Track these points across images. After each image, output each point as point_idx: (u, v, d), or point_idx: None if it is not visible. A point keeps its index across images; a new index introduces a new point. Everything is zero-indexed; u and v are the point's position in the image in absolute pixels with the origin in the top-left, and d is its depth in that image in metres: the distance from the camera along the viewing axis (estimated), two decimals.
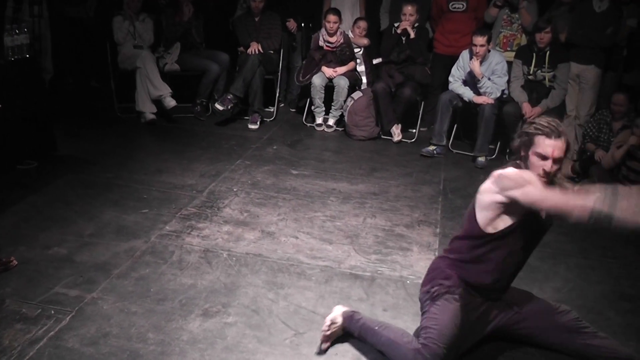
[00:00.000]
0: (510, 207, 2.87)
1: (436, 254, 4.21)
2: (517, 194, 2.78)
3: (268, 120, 7.31)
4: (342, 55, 7.17)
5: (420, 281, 3.32)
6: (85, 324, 3.15)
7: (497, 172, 2.95)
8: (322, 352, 3.10)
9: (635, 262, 4.50)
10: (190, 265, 3.85)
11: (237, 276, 3.77)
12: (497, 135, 6.70)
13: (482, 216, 2.98)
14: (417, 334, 3.01)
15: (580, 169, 6.01)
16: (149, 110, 6.72)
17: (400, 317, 3.47)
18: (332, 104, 7.17)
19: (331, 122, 7.21)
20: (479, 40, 6.28)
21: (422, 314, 3.09)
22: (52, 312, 3.23)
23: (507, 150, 6.68)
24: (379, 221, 4.71)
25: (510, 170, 2.92)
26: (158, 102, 6.73)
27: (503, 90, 6.54)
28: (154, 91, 6.66)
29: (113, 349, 2.98)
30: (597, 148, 6.02)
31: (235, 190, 5.12)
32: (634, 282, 4.19)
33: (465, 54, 6.60)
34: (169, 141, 6.37)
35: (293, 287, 3.70)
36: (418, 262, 4.12)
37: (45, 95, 5.69)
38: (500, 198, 2.88)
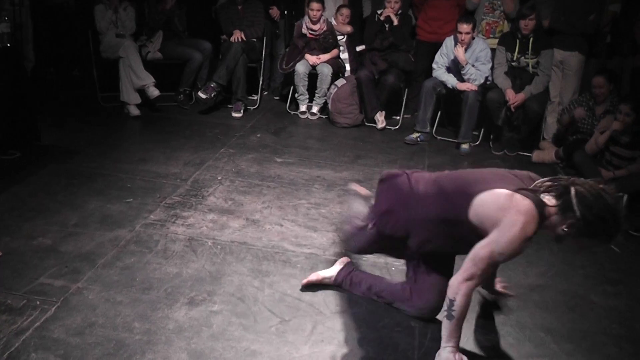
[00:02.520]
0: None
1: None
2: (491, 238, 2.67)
3: (252, 108, 7.30)
4: (325, 42, 7.16)
5: (404, 267, 3.35)
6: (71, 314, 3.15)
7: (517, 216, 2.62)
8: (307, 340, 3.11)
9: (617, 245, 4.54)
10: (175, 254, 3.84)
11: (222, 264, 3.78)
12: (481, 122, 6.74)
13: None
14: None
15: (564, 154, 6.05)
16: (133, 101, 6.67)
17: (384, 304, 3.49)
18: (316, 91, 7.18)
19: (315, 109, 7.22)
20: (464, 27, 6.30)
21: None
22: (38, 302, 3.21)
23: (491, 137, 6.72)
24: None
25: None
26: (142, 91, 6.69)
27: (487, 77, 6.57)
28: (137, 81, 6.62)
29: (99, 339, 2.98)
30: (580, 108, 6.09)
31: (219, 178, 5.11)
32: (617, 267, 4.25)
33: (448, 40, 6.62)
34: (152, 130, 6.34)
35: (278, 275, 3.71)
36: None
37: (27, 84, 5.64)
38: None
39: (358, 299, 3.50)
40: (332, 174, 5.43)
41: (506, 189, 2.69)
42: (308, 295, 3.50)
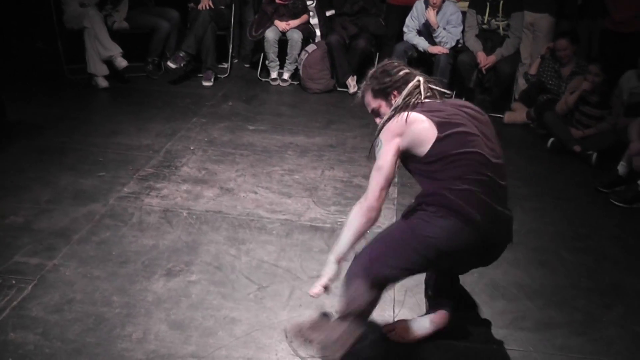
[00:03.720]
0: None
1: (395, 203, 4.29)
2: None
3: (222, 76, 7.26)
4: (295, 8, 7.11)
5: (379, 230, 3.38)
6: (49, 292, 3.14)
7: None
8: (285, 305, 3.15)
9: (587, 203, 4.65)
10: (150, 226, 3.85)
11: (198, 234, 3.79)
12: (453, 85, 6.76)
13: None
14: None
15: (535, 114, 6.11)
16: (101, 73, 6.56)
17: None
18: (287, 57, 7.14)
19: (286, 76, 7.19)
20: None
21: None
22: (14, 281, 3.20)
23: (463, 99, 6.73)
24: (337, 173, 4.75)
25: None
26: (109, 62, 6.59)
27: (458, 40, 6.59)
28: (104, 52, 6.51)
29: (78, 315, 2.98)
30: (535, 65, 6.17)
31: (192, 148, 5.10)
32: (586, 222, 4.34)
33: (419, 4, 6.61)
34: (122, 102, 6.28)
35: (254, 242, 3.74)
36: None
37: None
38: None
39: None
40: (305, 140, 5.44)
41: None
42: (285, 262, 3.54)
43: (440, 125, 2.50)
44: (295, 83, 7.17)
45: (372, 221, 2.55)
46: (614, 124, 5.48)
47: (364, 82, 2.83)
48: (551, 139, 5.68)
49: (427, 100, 2.65)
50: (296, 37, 7.02)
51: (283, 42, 7.13)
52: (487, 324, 3.12)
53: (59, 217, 3.89)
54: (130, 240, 3.67)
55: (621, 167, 4.87)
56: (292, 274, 3.43)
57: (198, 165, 4.77)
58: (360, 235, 2.58)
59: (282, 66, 7.23)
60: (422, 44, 6.58)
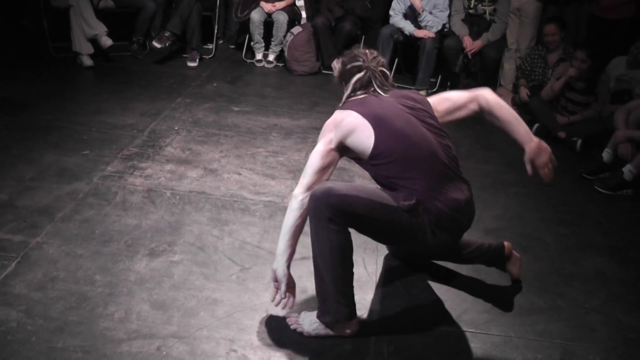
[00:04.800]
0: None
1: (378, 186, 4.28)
2: None
3: (207, 57, 7.23)
4: None
5: None
6: (32, 269, 3.13)
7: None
8: (268, 287, 3.15)
9: (572, 190, 4.68)
10: (134, 206, 3.83)
11: (182, 214, 3.78)
12: (438, 69, 6.77)
13: None
14: None
15: (520, 100, 6.13)
16: (85, 51, 6.51)
17: None
18: (272, 39, 7.12)
19: (271, 57, 7.16)
20: None
21: None
22: None
23: (448, 84, 6.76)
24: None
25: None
26: (94, 41, 6.53)
27: (444, 24, 6.58)
28: (89, 30, 6.45)
29: (61, 293, 2.97)
30: (524, 88, 6.13)
31: (176, 128, 5.07)
32: (570, 209, 4.37)
33: None
34: (107, 81, 6.23)
35: (237, 223, 3.73)
36: None
37: None
38: None
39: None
40: (289, 121, 5.43)
41: None
42: (268, 243, 3.54)
43: (376, 125, 2.64)
44: (281, 65, 7.15)
45: (298, 212, 2.72)
46: (599, 111, 5.51)
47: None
48: (536, 125, 5.70)
49: (367, 94, 2.81)
50: (282, 18, 6.98)
51: (268, 23, 7.11)
52: (468, 308, 3.14)
53: (43, 195, 3.86)
54: (113, 220, 3.66)
55: (606, 154, 4.90)
56: (275, 256, 3.42)
57: (182, 146, 4.75)
58: (297, 230, 2.76)
59: (267, 48, 7.20)
60: (407, 27, 6.57)
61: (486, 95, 2.87)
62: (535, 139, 2.74)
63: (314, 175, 2.67)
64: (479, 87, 6.42)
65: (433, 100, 2.94)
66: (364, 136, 2.63)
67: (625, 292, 3.46)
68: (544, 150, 2.73)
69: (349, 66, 2.85)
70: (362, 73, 2.81)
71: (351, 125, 2.66)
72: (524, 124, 2.80)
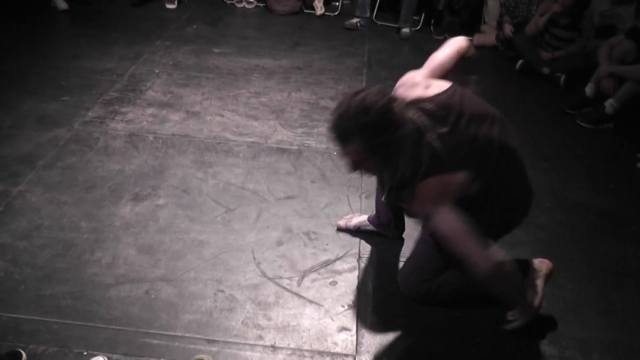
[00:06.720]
0: None
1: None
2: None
3: None
4: None
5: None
6: (16, 218, 3.12)
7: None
8: (253, 227, 3.18)
9: (554, 124, 4.70)
10: (116, 151, 3.81)
11: (165, 158, 3.77)
12: (421, 7, 6.68)
13: None
14: None
15: (504, 37, 6.09)
16: None
17: (328, 188, 3.57)
18: None
19: None
20: None
21: None
22: None
23: (432, 21, 6.69)
24: (304, 95, 4.72)
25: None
26: None
27: None
28: None
29: (47, 241, 2.98)
30: (508, 24, 6.07)
31: (156, 72, 5.01)
32: (552, 143, 4.40)
33: None
34: (83, 25, 6.10)
35: (221, 165, 3.73)
36: None
37: None
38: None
39: (304, 184, 3.57)
40: (271, 62, 5.37)
41: None
42: (252, 184, 3.54)
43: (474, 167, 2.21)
44: (261, 5, 7.02)
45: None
46: (583, 46, 5.49)
47: (340, 124, 2.11)
48: (520, 61, 5.68)
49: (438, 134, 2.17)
50: None
51: None
52: None
53: (23, 142, 3.83)
54: (96, 165, 3.64)
55: (589, 89, 4.91)
56: (259, 196, 3.44)
57: (163, 89, 4.70)
58: None
59: None
60: None
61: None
62: None
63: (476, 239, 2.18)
64: (462, 24, 6.40)
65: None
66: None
67: (604, 223, 3.52)
68: None
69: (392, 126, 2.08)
70: (410, 114, 2.15)
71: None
72: None
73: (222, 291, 2.75)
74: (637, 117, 4.74)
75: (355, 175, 3.04)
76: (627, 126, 4.70)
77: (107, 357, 2.37)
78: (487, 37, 6.34)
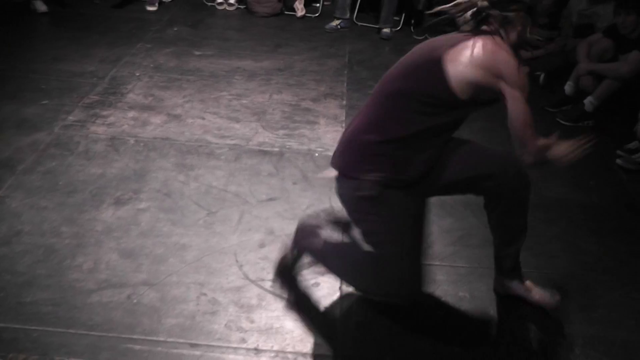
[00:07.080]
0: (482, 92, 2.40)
1: (343, 126, 4.29)
2: (509, 94, 2.34)
3: (167, 1, 7.06)
4: None
5: (330, 153, 3.39)
6: None
7: (491, 47, 2.29)
8: (235, 229, 3.18)
9: (535, 123, 4.70)
10: (97, 155, 3.79)
11: (146, 161, 3.75)
12: (402, 7, 6.70)
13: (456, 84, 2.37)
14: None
15: None
16: None
17: (310, 189, 3.57)
18: None
19: (232, 0, 7.02)
20: None
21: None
22: None
23: (412, 22, 6.71)
24: (286, 96, 4.72)
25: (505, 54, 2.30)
26: None
27: None
28: None
29: (28, 247, 2.95)
30: None
31: (137, 74, 4.99)
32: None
33: None
34: (63, 27, 6.06)
35: (203, 168, 3.72)
36: (325, 134, 4.20)
37: None
38: (489, 83, 2.35)
39: (285, 186, 3.57)
40: (252, 64, 5.37)
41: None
42: (234, 186, 3.54)
43: None
44: (242, 7, 7.02)
45: None
46: (562, 45, 5.53)
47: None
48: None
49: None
50: None
51: None
52: (434, 241, 3.19)
53: (2, 147, 3.79)
54: (77, 170, 3.62)
55: (568, 87, 4.95)
56: (241, 198, 3.44)
57: (144, 92, 4.68)
58: None
59: None
60: None
61: None
62: None
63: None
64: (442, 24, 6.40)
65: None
66: None
67: (585, 219, 3.56)
68: None
69: None
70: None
71: None
72: None
73: (205, 294, 2.74)
74: (616, 114, 4.78)
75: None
76: (606, 123, 4.74)
77: None
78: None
